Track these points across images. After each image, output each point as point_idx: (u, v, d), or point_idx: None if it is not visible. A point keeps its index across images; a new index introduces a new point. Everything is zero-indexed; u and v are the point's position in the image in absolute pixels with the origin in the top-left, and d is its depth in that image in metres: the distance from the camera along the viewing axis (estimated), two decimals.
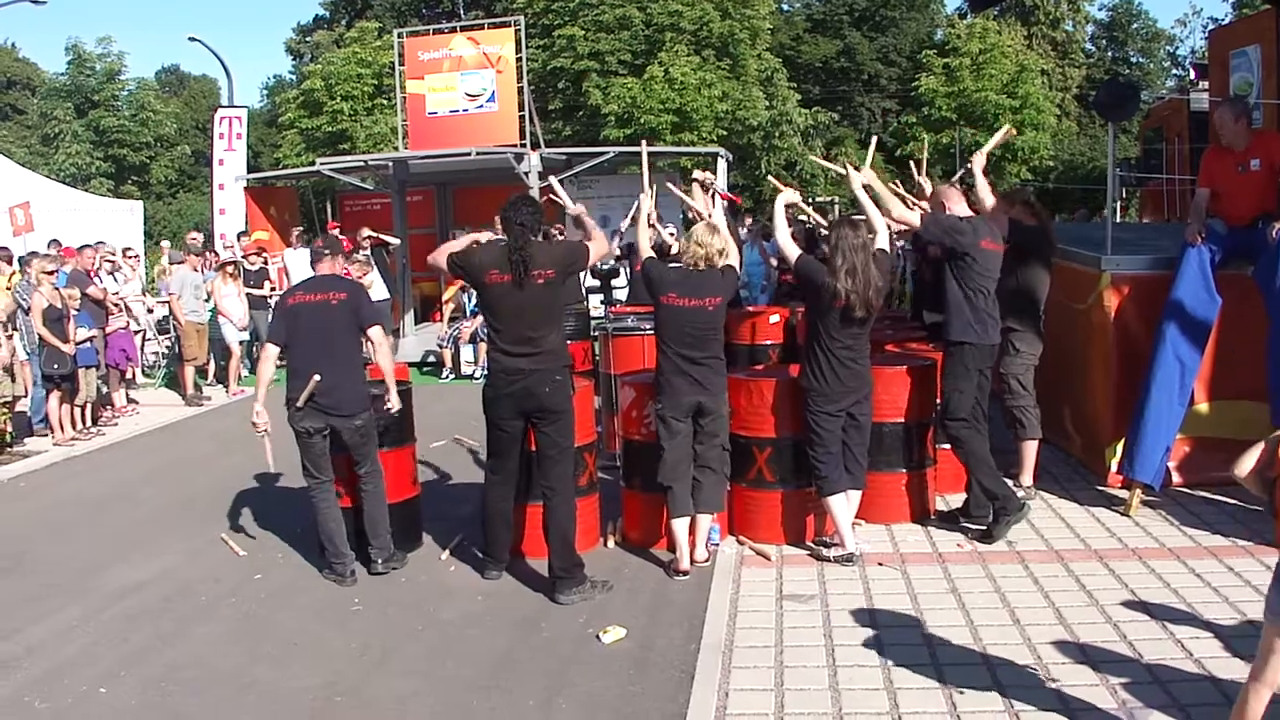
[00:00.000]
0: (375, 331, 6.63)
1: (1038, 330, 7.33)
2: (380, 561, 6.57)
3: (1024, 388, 7.30)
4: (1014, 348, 7.26)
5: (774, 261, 11.73)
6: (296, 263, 14.31)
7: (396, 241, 16.29)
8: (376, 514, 6.62)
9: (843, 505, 6.36)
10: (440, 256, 6.21)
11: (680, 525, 6.29)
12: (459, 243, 6.33)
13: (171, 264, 16.32)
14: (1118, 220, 14.02)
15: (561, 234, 12.17)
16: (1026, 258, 7.21)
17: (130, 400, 13.08)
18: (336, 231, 16.67)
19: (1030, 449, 7.42)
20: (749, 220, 20.11)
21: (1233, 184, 7.09)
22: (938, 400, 7.17)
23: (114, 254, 14.62)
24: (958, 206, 6.81)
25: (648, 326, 7.60)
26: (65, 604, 6.36)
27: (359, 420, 6.47)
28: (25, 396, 11.24)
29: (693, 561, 6.33)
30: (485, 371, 6.16)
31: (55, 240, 14.06)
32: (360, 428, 6.49)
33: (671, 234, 10.48)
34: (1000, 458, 7.35)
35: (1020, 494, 7.19)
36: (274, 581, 6.64)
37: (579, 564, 6.08)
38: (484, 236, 6.38)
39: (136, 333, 14.13)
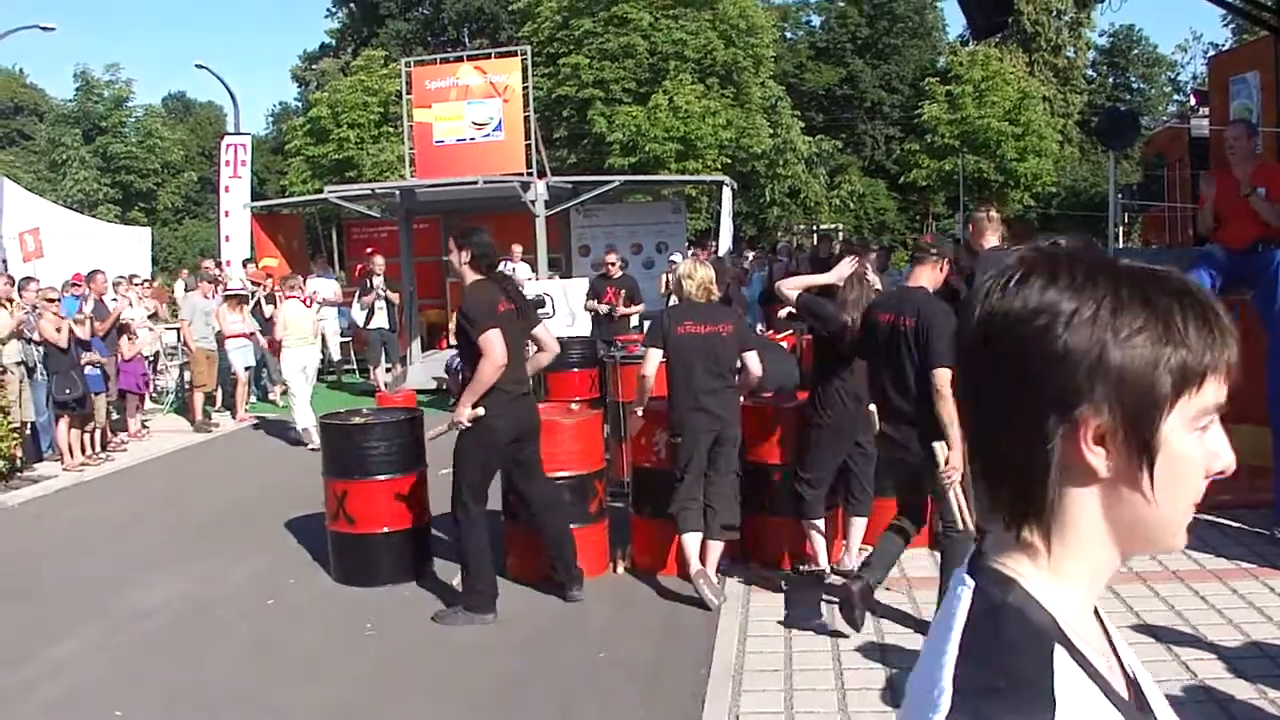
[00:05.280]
0: None
1: None
2: None
3: None
4: None
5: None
6: (321, 290, 14.44)
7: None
8: None
9: (821, 529, 6.49)
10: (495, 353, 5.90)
11: (691, 539, 6.26)
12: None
13: (187, 290, 16.40)
14: (1120, 245, 14.09)
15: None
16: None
17: (143, 425, 13.16)
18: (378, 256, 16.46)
19: None
20: (751, 252, 20.26)
21: (1236, 208, 7.14)
22: None
23: (119, 282, 14.68)
24: (991, 238, 6.73)
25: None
26: (79, 628, 6.41)
27: None
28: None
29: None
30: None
31: (67, 282, 14.07)
32: None
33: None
34: None
35: None
36: (287, 604, 6.69)
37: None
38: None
39: (146, 358, 14.19)
